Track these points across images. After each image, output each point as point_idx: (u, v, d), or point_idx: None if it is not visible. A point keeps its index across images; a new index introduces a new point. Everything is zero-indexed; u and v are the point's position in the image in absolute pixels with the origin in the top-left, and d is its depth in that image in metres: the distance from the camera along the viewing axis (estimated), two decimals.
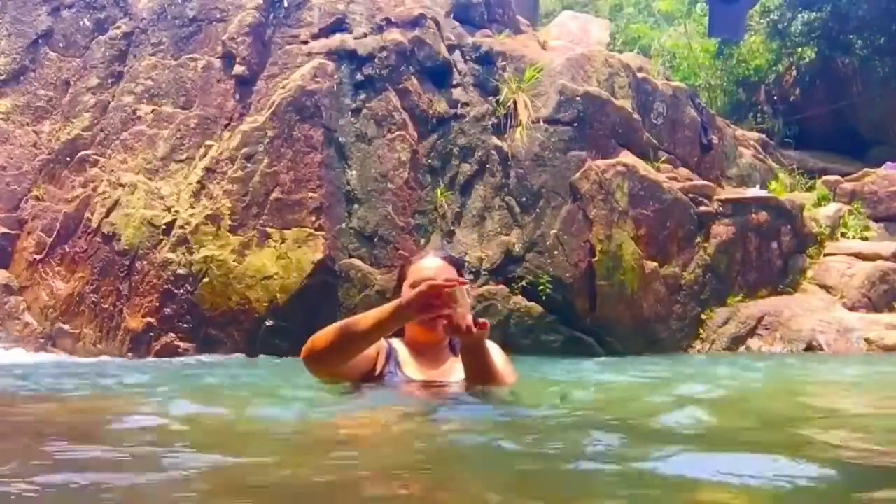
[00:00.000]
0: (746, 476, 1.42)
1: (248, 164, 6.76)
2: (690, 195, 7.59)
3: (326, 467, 1.64)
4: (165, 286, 6.59)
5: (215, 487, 1.48)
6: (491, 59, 7.43)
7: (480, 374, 2.50)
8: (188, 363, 5.78)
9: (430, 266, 2.60)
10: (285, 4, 7.27)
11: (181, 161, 6.98)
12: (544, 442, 1.90)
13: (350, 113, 6.94)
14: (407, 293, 2.52)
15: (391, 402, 2.39)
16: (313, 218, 6.62)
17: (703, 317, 7.41)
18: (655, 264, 7.20)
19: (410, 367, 2.58)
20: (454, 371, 2.61)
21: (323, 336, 2.39)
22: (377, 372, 2.54)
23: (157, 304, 6.59)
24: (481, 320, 2.41)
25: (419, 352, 2.62)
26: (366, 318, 2.36)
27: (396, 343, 2.65)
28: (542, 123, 7.06)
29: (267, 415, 2.43)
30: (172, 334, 6.53)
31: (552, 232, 6.84)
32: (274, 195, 6.67)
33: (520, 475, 1.56)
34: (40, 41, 7.67)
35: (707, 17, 12.14)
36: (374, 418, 2.19)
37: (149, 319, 6.58)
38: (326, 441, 2.00)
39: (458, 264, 2.72)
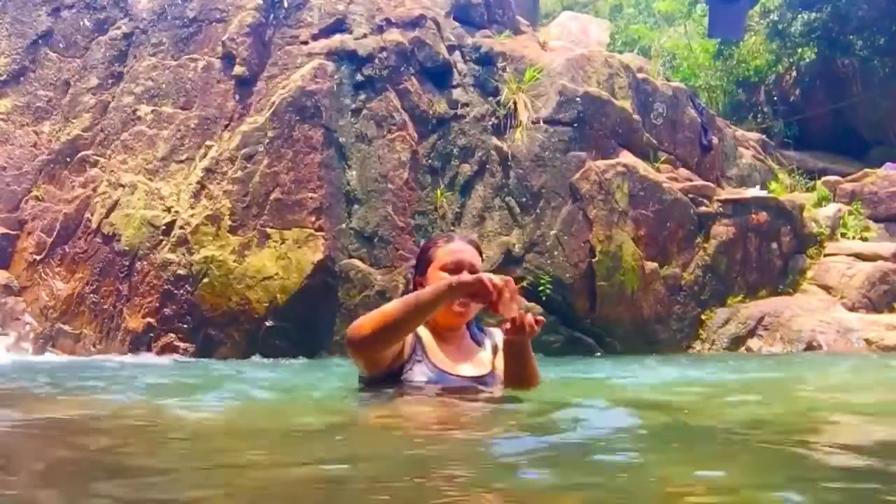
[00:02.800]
0: None
1: (248, 165, 6.76)
2: (690, 196, 7.59)
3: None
4: (165, 286, 6.59)
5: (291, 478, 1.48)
6: (491, 60, 7.43)
7: (521, 373, 2.55)
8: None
9: (460, 249, 2.65)
10: (285, 5, 7.27)
11: (181, 161, 6.98)
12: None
13: (350, 113, 6.94)
14: (434, 275, 2.58)
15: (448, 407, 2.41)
16: (313, 218, 6.62)
17: (703, 317, 7.41)
18: (655, 265, 7.20)
19: (436, 356, 2.58)
20: (481, 363, 2.63)
21: (370, 320, 2.41)
22: (405, 356, 2.55)
23: (157, 305, 6.59)
24: (538, 317, 2.45)
25: (441, 337, 2.62)
26: (417, 297, 2.39)
27: (419, 327, 2.65)
28: (542, 124, 7.07)
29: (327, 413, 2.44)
30: (172, 335, 6.53)
31: (552, 232, 6.84)
32: (274, 195, 6.67)
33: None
34: (40, 42, 7.67)
35: (707, 18, 12.16)
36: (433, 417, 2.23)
37: (149, 320, 6.58)
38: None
39: (479, 247, 2.76)
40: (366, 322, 2.41)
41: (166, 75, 7.24)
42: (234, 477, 1.54)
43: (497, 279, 2.34)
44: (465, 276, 2.40)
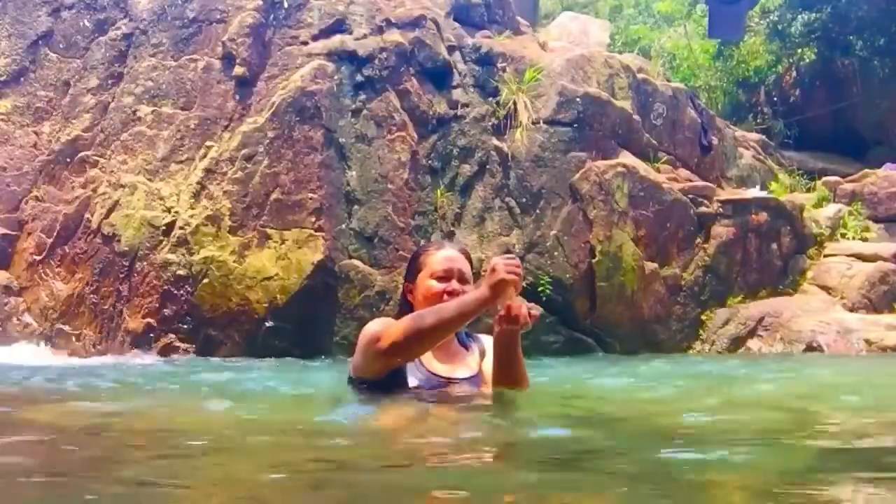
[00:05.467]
0: None
1: (248, 165, 6.76)
2: (690, 196, 7.59)
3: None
4: (165, 287, 6.59)
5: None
6: (491, 60, 7.43)
7: (509, 371, 2.55)
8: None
9: (449, 256, 2.67)
10: (285, 5, 7.27)
11: (181, 162, 6.98)
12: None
13: (350, 114, 6.94)
14: (424, 282, 2.60)
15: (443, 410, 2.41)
16: (313, 219, 6.62)
17: (703, 318, 7.40)
18: (655, 265, 7.20)
19: (427, 360, 2.60)
20: (468, 366, 2.65)
21: (404, 329, 2.42)
22: None
23: (157, 305, 6.59)
24: (533, 312, 2.45)
25: None
26: (448, 309, 2.40)
27: None
28: (542, 124, 7.07)
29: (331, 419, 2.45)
30: (172, 335, 6.53)
31: (552, 233, 6.84)
32: (274, 196, 6.67)
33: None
34: (40, 42, 7.66)
35: (707, 18, 12.14)
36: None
37: (149, 320, 6.58)
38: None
39: (469, 256, 2.78)
40: (398, 331, 2.42)
41: (166, 76, 7.24)
42: (230, 479, 1.54)
43: (507, 264, 2.35)
44: (495, 284, 2.33)
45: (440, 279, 2.59)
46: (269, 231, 6.61)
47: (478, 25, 7.94)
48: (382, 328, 2.48)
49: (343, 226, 6.68)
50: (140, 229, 6.80)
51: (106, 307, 6.78)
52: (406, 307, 2.69)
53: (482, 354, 2.69)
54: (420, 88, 7.11)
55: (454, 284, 2.57)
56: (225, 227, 6.64)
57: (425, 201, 6.89)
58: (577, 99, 7.16)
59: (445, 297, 2.54)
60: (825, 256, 8.32)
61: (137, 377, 4.49)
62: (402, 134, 6.93)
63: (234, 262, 6.56)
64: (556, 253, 6.80)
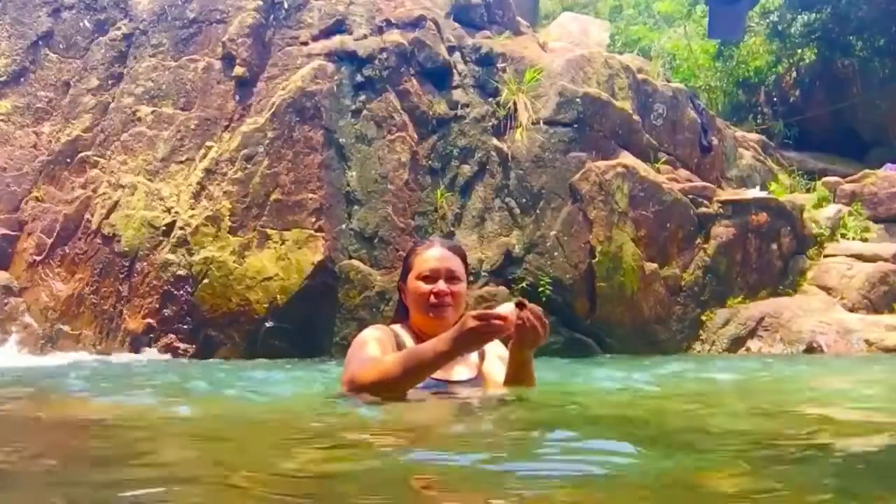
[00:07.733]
0: None
1: (248, 166, 6.76)
2: (690, 196, 7.59)
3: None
4: (165, 287, 6.59)
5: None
6: (491, 61, 7.43)
7: (522, 372, 2.53)
8: None
9: (436, 256, 2.63)
10: (285, 6, 7.27)
11: (181, 162, 6.98)
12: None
13: (350, 114, 6.94)
14: (413, 283, 2.59)
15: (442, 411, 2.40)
16: (313, 219, 6.62)
17: (703, 318, 7.40)
18: (655, 265, 7.20)
19: None
20: (468, 367, 2.63)
21: (370, 376, 2.38)
22: None
23: (157, 306, 6.59)
24: (536, 310, 2.42)
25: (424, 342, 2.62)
26: (422, 354, 2.35)
27: (401, 331, 2.64)
28: (542, 125, 7.07)
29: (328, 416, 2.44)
30: (172, 335, 6.53)
31: (552, 233, 6.84)
32: (274, 196, 6.68)
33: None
34: (40, 42, 7.67)
35: (707, 19, 12.16)
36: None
37: (149, 321, 6.58)
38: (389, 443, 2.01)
39: (462, 253, 2.73)
40: (365, 378, 2.39)
41: (166, 76, 7.25)
42: (227, 479, 1.54)
43: (481, 316, 2.29)
44: (470, 329, 2.28)
45: (426, 280, 2.57)
46: (269, 231, 6.61)
47: (478, 26, 7.94)
48: (354, 367, 2.45)
49: (343, 226, 6.68)
50: (140, 229, 6.81)
51: (106, 307, 6.78)
52: (402, 308, 2.68)
53: (482, 356, 2.67)
54: (420, 89, 7.12)
55: (440, 285, 2.55)
56: (225, 228, 6.65)
57: (425, 202, 6.89)
58: (577, 99, 7.16)
59: (432, 297, 2.53)
60: (825, 257, 8.32)
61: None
62: (402, 134, 6.94)
63: (234, 262, 6.56)
64: (556, 253, 6.81)
